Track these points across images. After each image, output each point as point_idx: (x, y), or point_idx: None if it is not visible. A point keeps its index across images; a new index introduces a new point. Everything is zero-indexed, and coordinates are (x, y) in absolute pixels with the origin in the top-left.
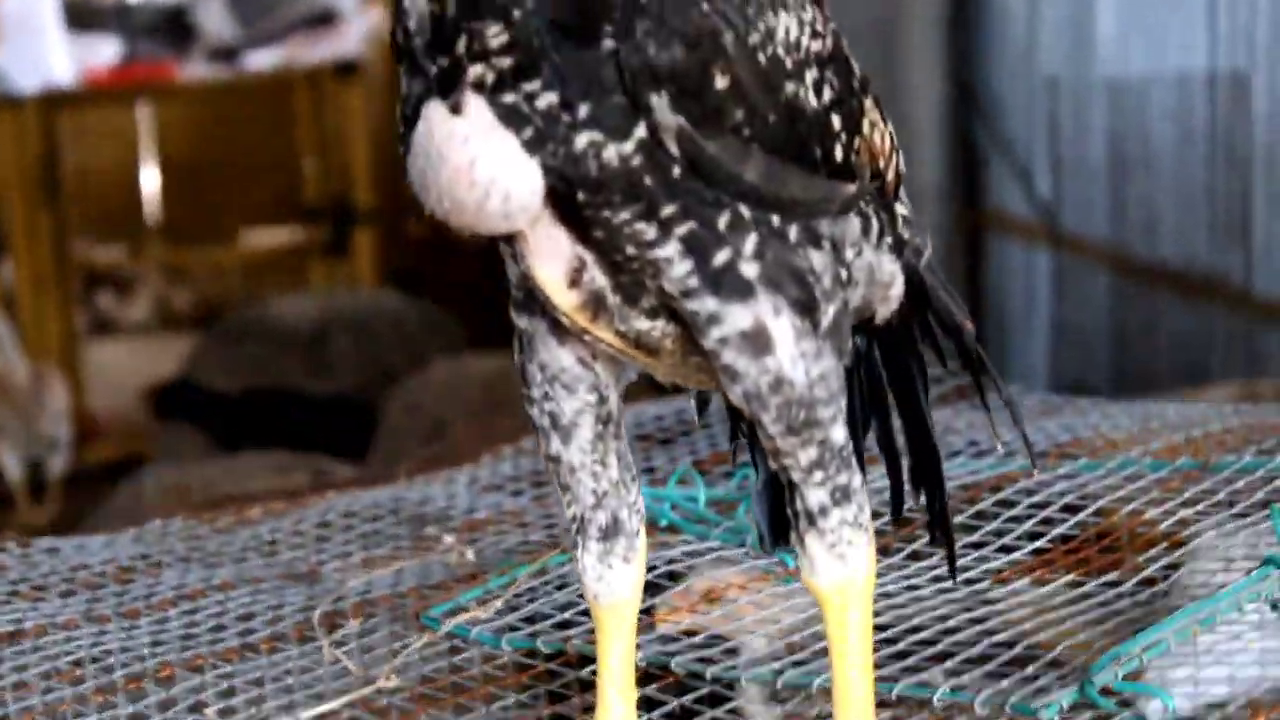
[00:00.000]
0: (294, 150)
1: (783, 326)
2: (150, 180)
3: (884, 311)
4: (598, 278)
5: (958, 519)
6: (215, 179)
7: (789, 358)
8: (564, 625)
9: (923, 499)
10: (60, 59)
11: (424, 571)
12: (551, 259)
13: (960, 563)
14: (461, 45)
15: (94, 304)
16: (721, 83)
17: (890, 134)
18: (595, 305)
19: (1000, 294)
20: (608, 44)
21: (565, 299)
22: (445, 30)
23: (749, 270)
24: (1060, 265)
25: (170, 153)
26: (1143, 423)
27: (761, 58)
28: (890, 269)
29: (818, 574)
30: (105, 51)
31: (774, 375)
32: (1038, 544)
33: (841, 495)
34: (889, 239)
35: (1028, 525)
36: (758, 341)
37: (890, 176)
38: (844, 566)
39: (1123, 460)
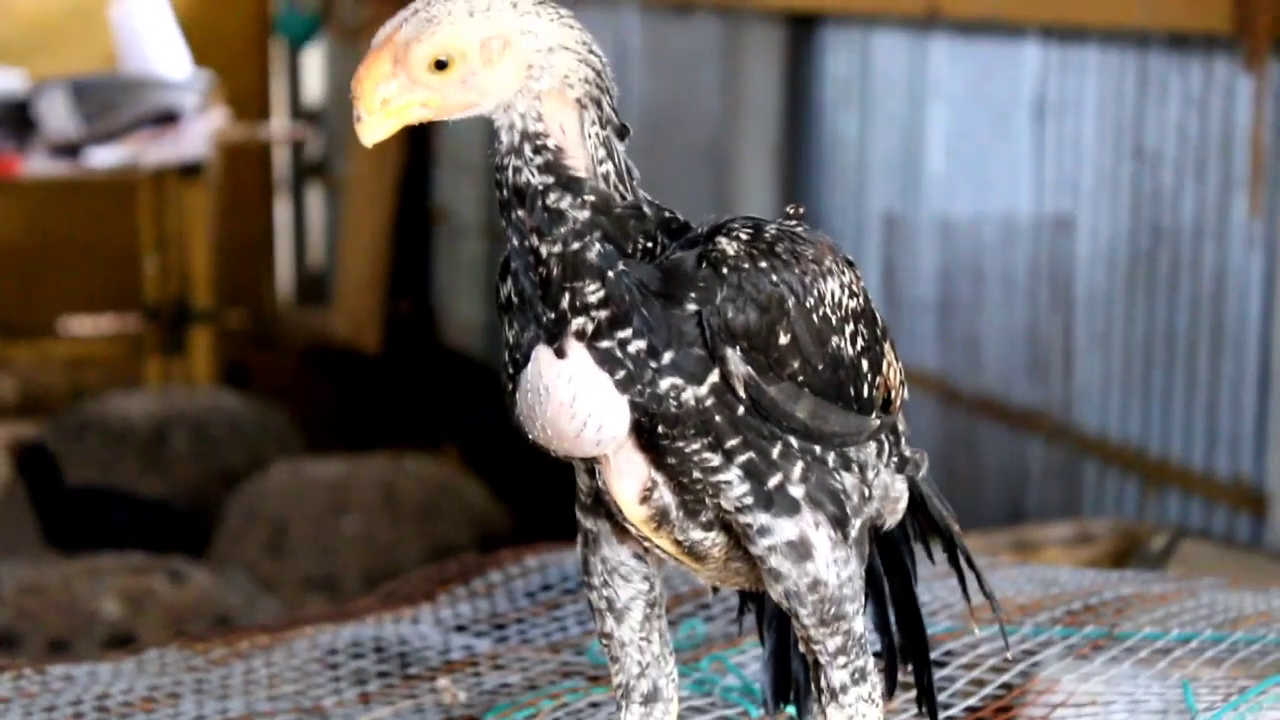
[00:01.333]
0: (133, 246)
1: (821, 537)
2: None
3: (891, 522)
4: (666, 496)
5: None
6: (45, 270)
7: (825, 563)
8: None
9: (912, 672)
10: None
11: (420, 710)
12: (628, 479)
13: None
14: (565, 301)
15: None
16: (784, 339)
17: (900, 368)
18: (661, 518)
19: None
20: (690, 306)
21: (636, 513)
22: (552, 288)
23: (796, 491)
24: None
25: None
26: (1044, 588)
27: (815, 317)
28: (900, 488)
29: None
30: None
31: (812, 578)
32: (970, 703)
33: (860, 676)
34: (895, 458)
35: (960, 685)
36: (801, 550)
37: (897, 403)
38: None
39: (1034, 628)
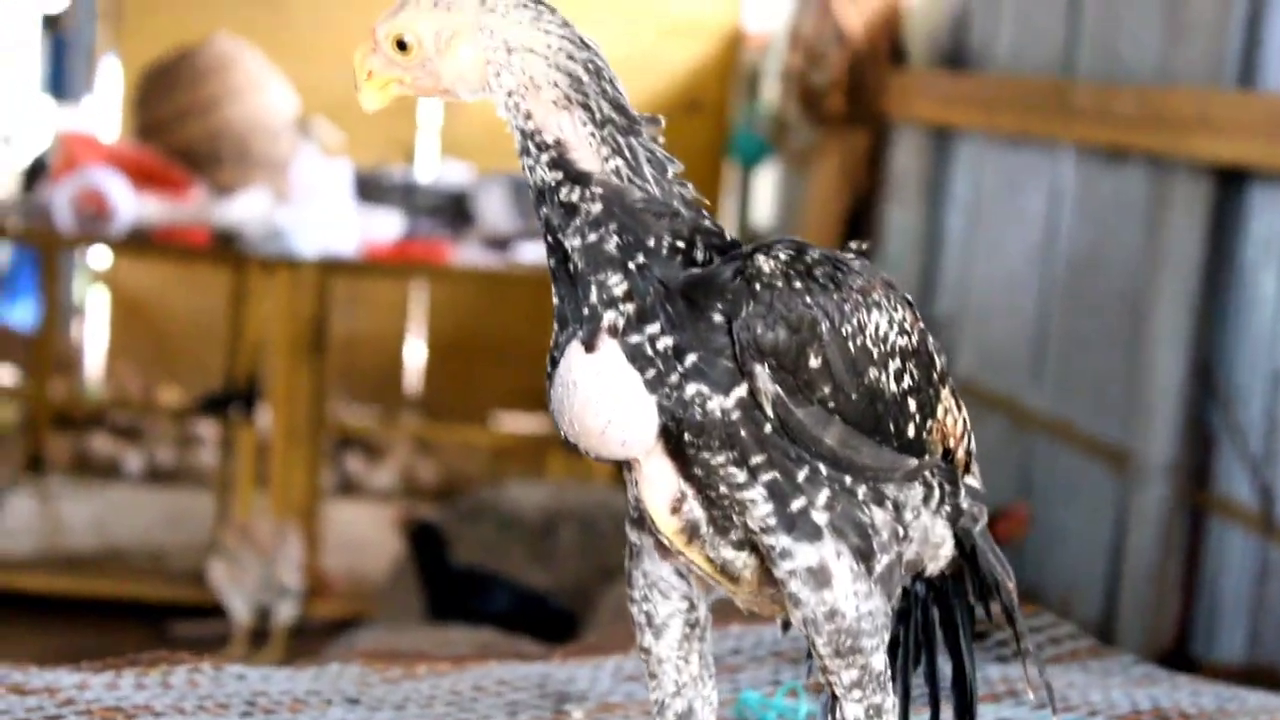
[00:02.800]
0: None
1: (842, 568)
2: (414, 353)
3: (933, 567)
4: (695, 509)
5: None
6: (475, 361)
7: (844, 594)
8: None
9: None
10: (344, 228)
11: None
12: (658, 487)
13: None
14: (594, 295)
15: (342, 465)
16: (815, 362)
17: (964, 419)
18: (691, 532)
19: (1215, 576)
20: (717, 317)
21: (667, 524)
22: (579, 283)
23: (819, 518)
24: (1271, 557)
25: (436, 329)
26: (1220, 703)
27: (851, 346)
28: (942, 533)
29: None
30: (388, 226)
31: (829, 606)
32: None
33: (875, 712)
34: (948, 507)
35: None
36: (820, 577)
37: (960, 455)
38: None
39: None
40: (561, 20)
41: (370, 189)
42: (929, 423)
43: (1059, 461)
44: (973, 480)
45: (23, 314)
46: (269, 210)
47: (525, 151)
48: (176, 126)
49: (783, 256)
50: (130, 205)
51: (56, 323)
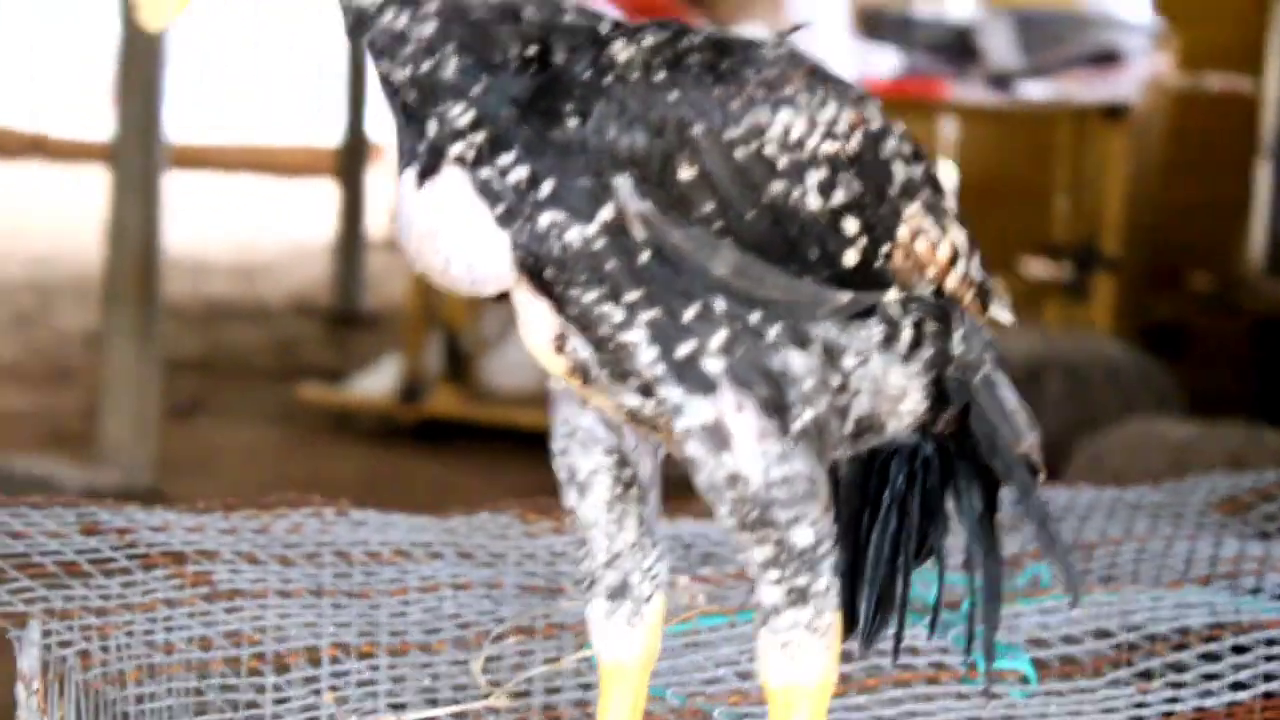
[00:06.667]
0: (1047, 185)
1: (743, 424)
2: None
3: (895, 425)
4: (580, 349)
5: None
6: (971, 202)
7: (746, 456)
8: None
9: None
10: (841, 63)
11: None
12: (536, 325)
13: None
14: (433, 129)
15: None
16: (687, 174)
17: (955, 241)
18: (583, 374)
19: None
20: (571, 122)
21: (552, 363)
22: (415, 118)
23: (713, 365)
24: None
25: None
26: None
27: (740, 153)
28: (901, 384)
29: (767, 672)
30: (885, 62)
31: (730, 471)
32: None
33: (799, 597)
34: (929, 351)
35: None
36: (716, 436)
37: (953, 285)
38: (793, 668)
39: None
40: None
41: (869, 23)
42: (884, 247)
43: None
44: (1000, 311)
45: None
46: None
47: None
48: None
49: (647, 42)
50: None
51: None
